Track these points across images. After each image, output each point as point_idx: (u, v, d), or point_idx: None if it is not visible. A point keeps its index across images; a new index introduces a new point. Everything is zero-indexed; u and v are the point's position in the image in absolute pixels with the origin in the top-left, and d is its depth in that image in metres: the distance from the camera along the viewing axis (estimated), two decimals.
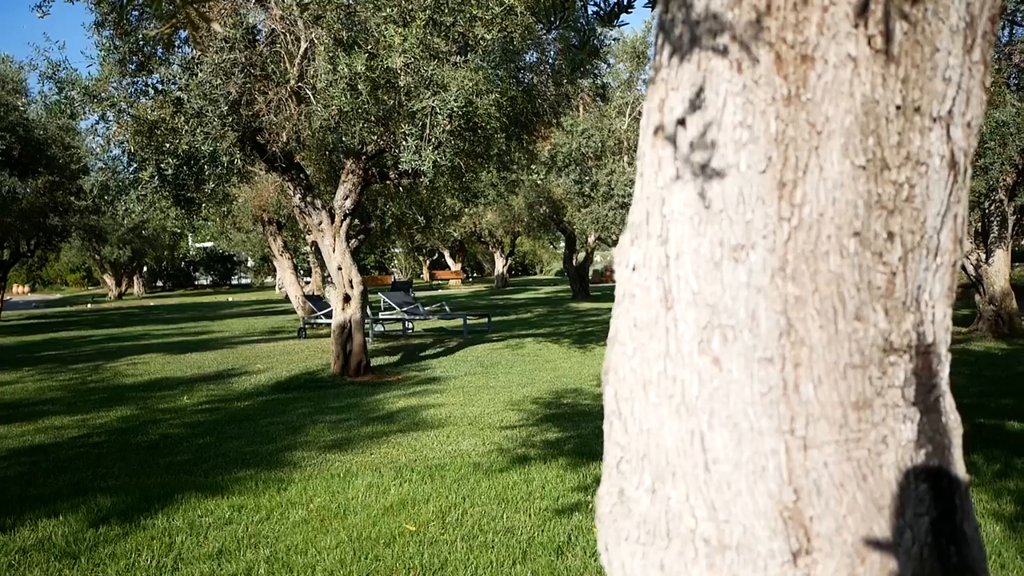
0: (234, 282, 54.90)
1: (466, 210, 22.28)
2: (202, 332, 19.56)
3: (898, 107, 1.38)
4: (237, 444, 7.17)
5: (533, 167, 14.27)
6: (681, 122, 1.50)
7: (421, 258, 51.20)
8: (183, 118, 9.74)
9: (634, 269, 1.64)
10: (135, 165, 10.71)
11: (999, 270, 13.12)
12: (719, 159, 1.43)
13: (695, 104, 1.47)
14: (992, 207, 12.98)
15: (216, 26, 2.28)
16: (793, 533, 1.42)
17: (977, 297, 13.57)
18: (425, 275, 51.65)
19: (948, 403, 1.60)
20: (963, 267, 13.88)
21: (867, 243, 1.41)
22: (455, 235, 38.17)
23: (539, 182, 22.98)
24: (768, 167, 1.40)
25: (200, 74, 9.49)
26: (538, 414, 8.10)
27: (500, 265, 43.45)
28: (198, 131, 9.63)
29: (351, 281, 11.41)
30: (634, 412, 1.63)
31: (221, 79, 9.45)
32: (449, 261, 49.65)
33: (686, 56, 1.48)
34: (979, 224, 13.57)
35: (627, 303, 1.67)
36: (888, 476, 1.46)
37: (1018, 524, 4.42)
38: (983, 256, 13.30)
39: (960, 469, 1.60)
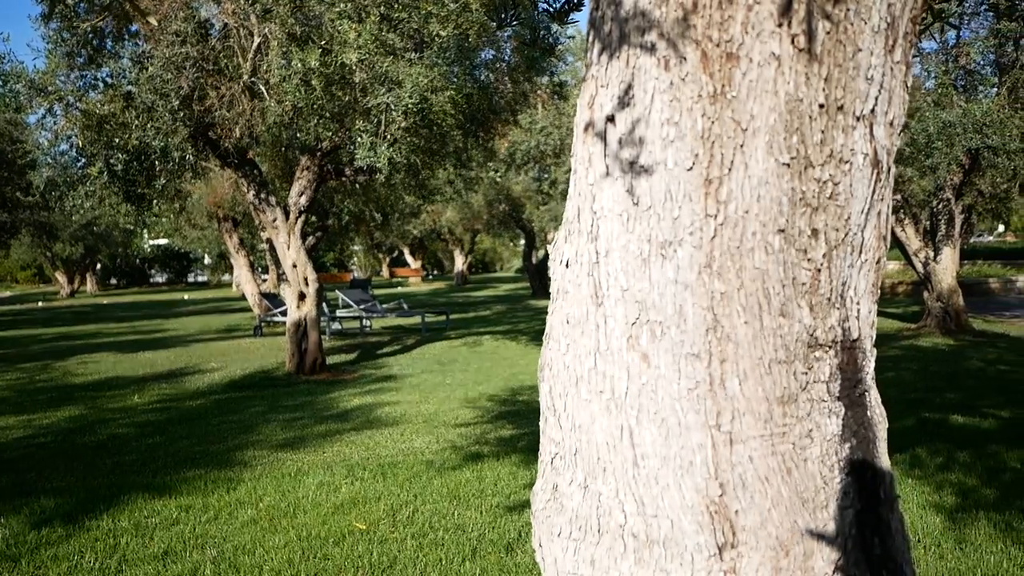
0: (190, 280, 54.06)
1: (425, 207, 22.21)
2: (156, 330, 19.25)
3: (821, 105, 1.40)
4: (187, 444, 7.06)
5: (491, 164, 14.26)
6: (611, 119, 1.51)
7: (381, 255, 50.90)
8: (134, 113, 9.57)
9: (567, 265, 1.65)
10: (84, 160, 10.51)
11: (947, 268, 13.39)
12: (647, 156, 1.44)
13: (624, 101, 1.48)
14: (940, 206, 13.25)
15: (152, 20, 2.23)
16: (719, 527, 1.43)
17: (925, 294, 13.84)
18: (385, 272, 51.35)
19: (874, 397, 1.63)
20: (912, 264, 14.14)
21: (792, 240, 1.43)
22: (414, 232, 38.02)
23: (498, 179, 22.99)
24: (695, 164, 1.41)
25: (151, 68, 9.33)
26: (493, 411, 8.10)
27: (460, 263, 43.38)
28: (148, 126, 9.47)
29: (306, 279, 11.30)
30: (567, 408, 1.64)
31: (172, 73, 9.30)
32: (409, 259, 49.41)
33: (615, 53, 1.49)
34: (927, 223, 13.84)
35: (561, 300, 1.68)
36: (813, 470, 1.49)
37: (958, 516, 4.52)
38: (931, 254, 13.57)
39: (885, 462, 1.63)
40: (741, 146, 1.41)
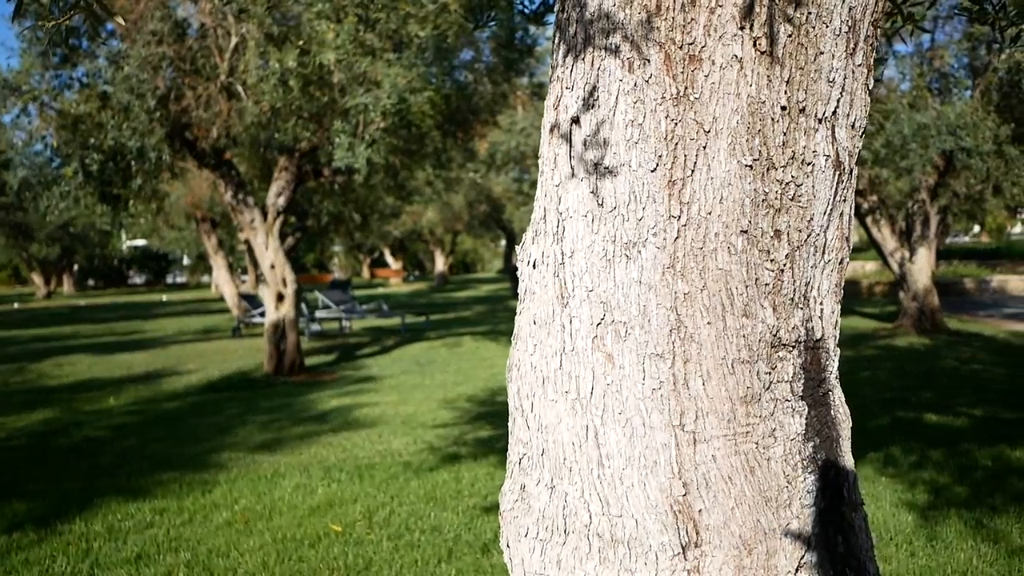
0: (169, 281, 53.61)
1: (405, 208, 22.16)
2: (133, 332, 19.09)
3: (783, 108, 1.41)
4: (163, 446, 7.02)
5: (471, 165, 14.25)
6: (576, 120, 1.52)
7: (361, 256, 50.72)
8: (109, 112, 9.49)
9: (534, 266, 1.65)
10: (59, 160, 10.41)
11: (922, 268, 13.53)
12: (611, 157, 1.45)
13: (588, 103, 1.48)
14: (915, 207, 13.38)
15: (120, 19, 2.22)
16: (683, 526, 1.44)
17: (901, 294, 13.97)
18: (365, 273, 51.20)
19: (837, 397, 1.65)
20: (888, 265, 14.27)
21: (754, 240, 1.43)
22: (394, 233, 37.90)
23: (478, 180, 22.98)
24: (658, 165, 1.42)
25: (127, 68, 9.26)
26: (472, 412, 8.10)
27: (441, 263, 43.30)
28: (124, 126, 9.40)
29: (284, 279, 11.26)
30: (534, 409, 1.64)
31: (149, 73, 9.24)
32: (389, 259, 49.28)
33: (580, 55, 1.50)
34: (903, 223, 13.97)
35: (528, 300, 1.68)
36: (776, 469, 1.50)
37: (930, 513, 4.56)
38: (907, 254, 13.70)
39: (848, 461, 1.64)
40: (704, 148, 1.42)
